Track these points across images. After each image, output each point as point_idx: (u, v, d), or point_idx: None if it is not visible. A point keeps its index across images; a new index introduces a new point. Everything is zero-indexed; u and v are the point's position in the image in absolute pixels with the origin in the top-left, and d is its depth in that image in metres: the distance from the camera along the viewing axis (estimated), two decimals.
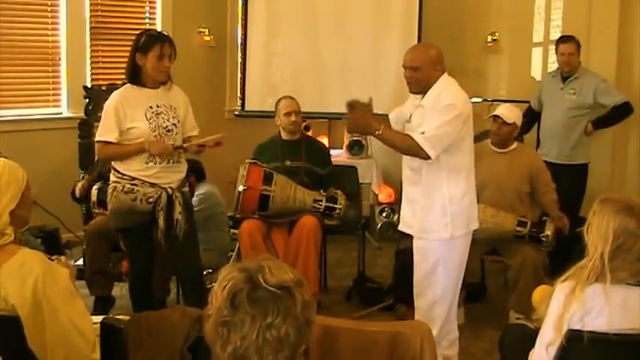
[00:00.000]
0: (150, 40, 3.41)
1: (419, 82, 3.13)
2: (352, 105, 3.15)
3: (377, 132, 3.10)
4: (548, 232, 3.98)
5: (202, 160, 4.59)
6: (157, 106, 3.47)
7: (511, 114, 4.14)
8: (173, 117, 3.50)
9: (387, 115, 3.40)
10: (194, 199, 4.57)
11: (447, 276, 3.22)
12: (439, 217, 3.16)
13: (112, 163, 3.54)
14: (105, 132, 3.43)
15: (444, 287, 3.22)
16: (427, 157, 3.05)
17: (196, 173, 4.67)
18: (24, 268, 2.01)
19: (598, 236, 2.23)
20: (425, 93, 3.13)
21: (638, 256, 2.19)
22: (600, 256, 2.20)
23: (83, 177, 4.59)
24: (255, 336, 1.35)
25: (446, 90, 3.10)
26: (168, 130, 3.47)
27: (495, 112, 4.16)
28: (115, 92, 3.51)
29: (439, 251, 3.19)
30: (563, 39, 5.10)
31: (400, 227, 3.39)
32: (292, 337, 1.38)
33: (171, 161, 3.50)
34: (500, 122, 4.11)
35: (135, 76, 3.45)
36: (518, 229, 4.00)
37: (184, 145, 3.51)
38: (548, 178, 4.19)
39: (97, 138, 3.48)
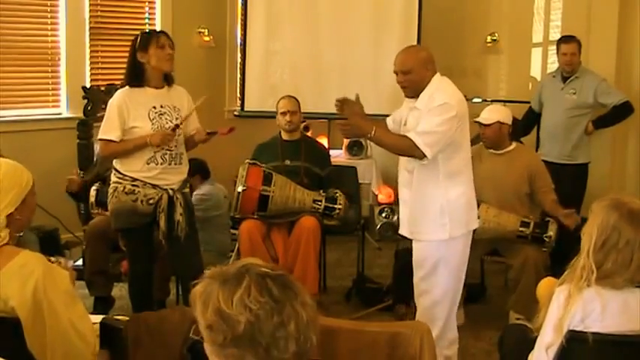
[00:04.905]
0: (146, 37, 3.45)
1: (413, 84, 3.10)
2: (341, 102, 3.14)
3: (370, 134, 3.09)
4: (551, 232, 3.97)
5: (207, 159, 4.62)
6: (161, 107, 3.47)
7: (491, 114, 4.12)
8: (176, 118, 3.50)
9: (385, 116, 3.39)
10: (194, 199, 4.57)
11: (448, 276, 3.20)
12: (437, 218, 3.14)
13: (114, 163, 3.54)
14: (108, 130, 3.43)
15: (444, 288, 3.20)
16: (423, 157, 3.02)
17: (201, 171, 4.69)
18: (24, 270, 2.00)
19: (587, 234, 2.24)
20: (419, 95, 3.12)
21: (630, 258, 2.18)
22: (587, 254, 2.20)
23: (82, 176, 4.56)
24: None
25: (439, 90, 3.08)
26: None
27: (476, 119, 4.13)
28: (120, 91, 3.50)
29: (439, 252, 3.17)
30: (566, 39, 5.10)
31: (400, 230, 3.38)
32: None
33: (173, 162, 3.50)
34: (484, 126, 4.10)
35: (137, 76, 3.45)
36: (521, 229, 3.99)
37: (179, 124, 3.48)
38: (548, 179, 4.18)
39: (99, 136, 3.49)
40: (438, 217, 3.14)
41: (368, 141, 5.75)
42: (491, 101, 5.48)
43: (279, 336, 1.30)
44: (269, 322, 1.29)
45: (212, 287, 1.34)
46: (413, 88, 3.11)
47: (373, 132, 3.08)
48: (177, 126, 3.47)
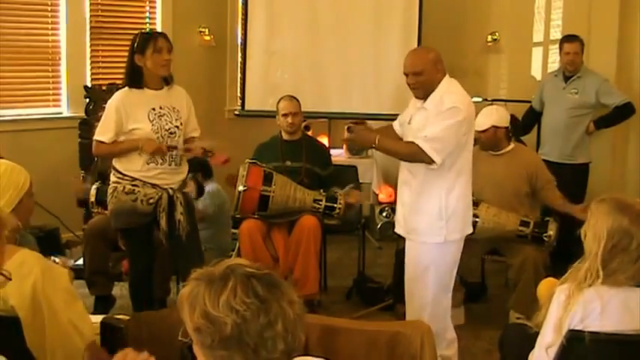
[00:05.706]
0: (144, 39, 3.43)
1: (424, 85, 3.08)
2: (351, 128, 3.13)
3: (374, 144, 3.09)
4: (551, 232, 3.97)
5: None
6: (160, 108, 3.46)
7: (486, 119, 4.09)
8: (176, 119, 3.49)
9: (385, 115, 3.39)
10: (205, 196, 4.60)
11: (437, 280, 3.19)
12: (435, 220, 3.13)
13: (113, 163, 3.54)
14: (102, 131, 3.44)
15: (434, 291, 3.19)
16: (431, 162, 3.00)
17: (203, 170, 4.70)
18: (23, 269, 2.01)
19: (593, 237, 2.23)
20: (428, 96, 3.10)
21: (635, 257, 2.19)
22: (595, 257, 2.20)
23: (83, 177, 4.57)
24: None
25: (449, 92, 3.06)
26: (171, 133, 3.46)
27: None
28: (119, 92, 3.50)
29: (431, 255, 3.16)
30: (569, 38, 5.08)
31: (396, 229, 3.38)
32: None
33: (173, 163, 3.50)
34: (479, 131, 4.08)
35: (135, 78, 3.45)
36: (520, 228, 3.99)
37: (185, 147, 3.51)
38: (549, 175, 4.17)
39: (94, 136, 3.50)
40: (436, 220, 3.13)
41: None
42: (492, 101, 5.48)
43: (267, 336, 1.30)
44: (256, 322, 1.30)
45: (198, 289, 1.34)
46: (424, 90, 3.09)
47: (377, 141, 3.07)
48: (175, 147, 3.46)
